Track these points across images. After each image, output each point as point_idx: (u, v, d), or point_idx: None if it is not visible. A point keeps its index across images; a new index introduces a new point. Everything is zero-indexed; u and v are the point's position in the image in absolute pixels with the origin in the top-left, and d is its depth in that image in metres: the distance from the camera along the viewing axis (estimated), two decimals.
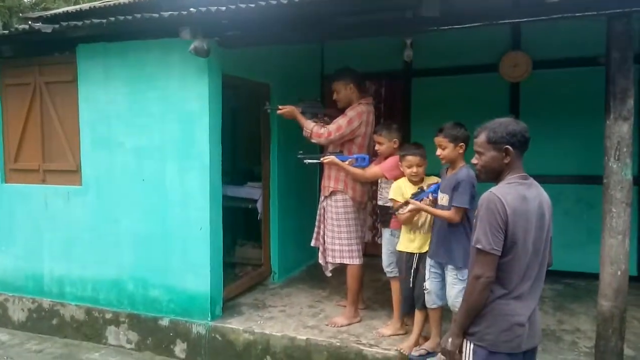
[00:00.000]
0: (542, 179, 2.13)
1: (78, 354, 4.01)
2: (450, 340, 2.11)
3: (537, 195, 2.05)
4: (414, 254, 3.31)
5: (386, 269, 3.62)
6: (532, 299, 2.05)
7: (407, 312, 3.48)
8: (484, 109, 4.84)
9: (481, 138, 2.11)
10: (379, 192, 3.70)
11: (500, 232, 1.95)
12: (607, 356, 3.00)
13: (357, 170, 3.63)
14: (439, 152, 3.09)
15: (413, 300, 3.36)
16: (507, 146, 2.05)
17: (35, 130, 4.38)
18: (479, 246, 1.97)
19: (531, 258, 2.01)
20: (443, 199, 3.08)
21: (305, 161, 3.78)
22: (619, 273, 2.95)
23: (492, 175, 2.13)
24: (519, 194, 2.00)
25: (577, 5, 2.88)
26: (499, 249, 1.95)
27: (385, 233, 3.62)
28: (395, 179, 3.45)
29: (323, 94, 5.61)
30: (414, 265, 3.31)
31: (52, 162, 4.35)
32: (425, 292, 3.19)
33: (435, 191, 3.20)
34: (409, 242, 3.33)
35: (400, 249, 3.39)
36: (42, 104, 4.33)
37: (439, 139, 3.09)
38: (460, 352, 2.10)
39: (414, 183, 3.32)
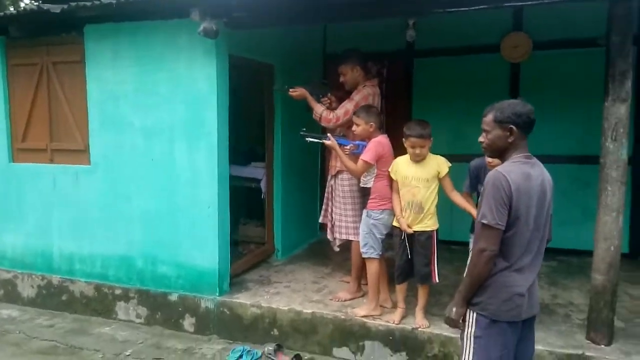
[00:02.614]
0: (539, 159, 2.23)
1: (89, 328, 4.13)
2: (454, 309, 2.23)
3: (540, 173, 2.16)
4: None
5: (361, 249, 3.64)
6: (532, 271, 2.18)
7: (399, 282, 3.51)
8: (485, 89, 5.04)
9: (489, 117, 2.21)
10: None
11: (505, 208, 2.06)
12: (599, 327, 3.17)
13: (350, 164, 3.60)
14: (489, 159, 3.12)
15: (401, 271, 3.44)
16: (511, 126, 2.14)
17: (43, 110, 4.43)
18: (484, 221, 2.09)
19: (532, 233, 2.13)
20: None
21: (307, 139, 3.83)
22: (612, 248, 3.09)
23: (496, 152, 2.24)
24: (523, 172, 2.11)
25: None
26: (503, 223, 2.07)
27: (363, 214, 3.66)
28: (378, 159, 3.52)
29: (325, 73, 5.69)
30: (406, 241, 3.38)
31: (60, 142, 4.42)
32: None
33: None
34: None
35: (394, 224, 3.49)
36: (49, 84, 4.37)
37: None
38: (464, 320, 2.23)
39: (416, 162, 3.39)
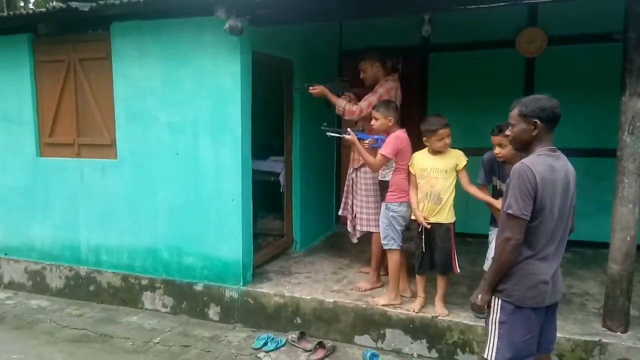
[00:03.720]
0: None
1: (117, 317, 4.28)
2: (480, 296, 2.33)
3: (564, 166, 2.25)
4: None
5: (382, 241, 3.73)
6: (556, 260, 2.28)
7: (418, 273, 3.61)
8: (500, 84, 5.12)
9: (514, 111, 2.30)
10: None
11: (530, 199, 2.16)
12: (615, 315, 3.26)
13: (370, 158, 3.68)
14: (497, 150, 3.25)
15: (420, 262, 3.55)
16: (535, 120, 2.23)
17: (70, 106, 4.56)
18: (510, 211, 2.18)
19: (556, 223, 2.22)
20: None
21: (327, 133, 3.94)
22: (628, 239, 3.18)
23: (521, 145, 2.33)
24: (547, 164, 2.20)
25: None
26: (528, 214, 2.16)
27: (382, 207, 3.76)
28: (396, 153, 3.61)
29: (341, 69, 5.78)
30: (424, 232, 3.48)
31: (87, 137, 4.55)
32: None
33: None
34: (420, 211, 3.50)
35: (412, 218, 3.59)
36: (76, 80, 4.50)
37: (499, 139, 3.23)
38: (489, 307, 2.34)
39: (435, 155, 3.49)
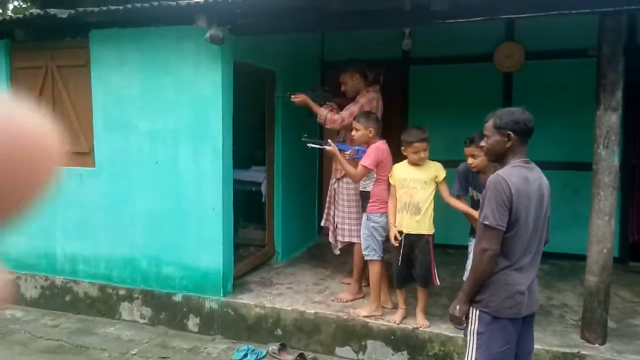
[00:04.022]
0: None
1: (94, 328, 4.19)
2: (458, 307, 2.34)
3: (538, 178, 2.29)
4: (401, 232, 3.48)
5: (363, 252, 3.74)
6: (532, 270, 2.30)
7: (397, 286, 3.61)
8: (479, 97, 5.20)
9: (489, 123, 2.35)
10: None
11: (505, 210, 2.18)
12: (593, 327, 3.30)
13: (351, 169, 3.68)
14: (470, 160, 3.29)
15: (399, 276, 3.55)
16: (509, 132, 2.27)
17: (47, 113, 4.45)
18: (486, 222, 2.21)
19: (531, 234, 2.25)
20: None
21: (308, 145, 3.95)
22: (604, 251, 3.23)
23: (495, 156, 2.37)
24: (522, 176, 2.23)
25: (572, 2, 3.11)
26: (504, 224, 2.19)
27: (363, 217, 3.77)
28: (377, 164, 3.63)
29: (323, 80, 5.80)
30: (403, 244, 3.47)
31: (65, 145, 4.46)
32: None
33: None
34: (397, 221, 3.51)
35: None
36: (53, 87, 4.44)
37: (471, 150, 3.27)
38: (467, 318, 2.35)
39: (415, 166, 3.52)
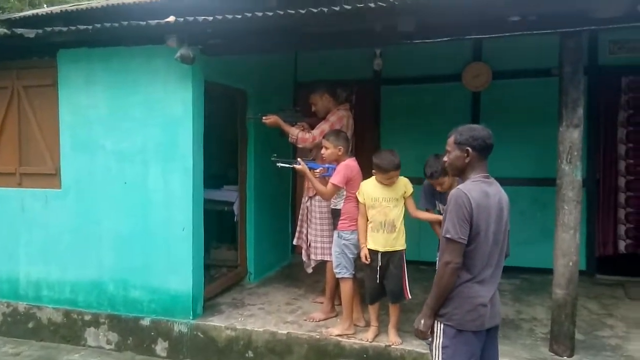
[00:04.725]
0: (499, 181, 2.40)
1: (57, 356, 4.03)
2: (422, 321, 2.34)
3: (497, 192, 2.34)
4: (378, 252, 3.50)
5: (335, 270, 3.72)
6: (493, 283, 2.33)
7: (370, 303, 3.62)
8: (448, 116, 5.29)
9: (451, 138, 2.41)
10: None
11: (466, 223, 2.22)
12: (561, 339, 3.34)
13: (321, 187, 3.70)
14: (439, 188, 3.44)
15: (373, 293, 3.56)
16: (468, 148, 2.33)
17: (12, 134, 4.39)
18: (448, 235, 2.23)
19: (492, 247, 2.29)
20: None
21: (278, 164, 3.94)
22: (570, 264, 3.29)
23: (456, 171, 2.43)
24: (482, 190, 2.28)
25: (534, 23, 3.22)
26: (465, 237, 2.22)
27: (334, 235, 3.77)
28: (347, 181, 3.64)
29: (296, 100, 5.85)
30: (380, 262, 3.49)
31: (30, 166, 4.37)
32: None
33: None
34: (372, 240, 3.52)
35: (368, 247, 3.56)
36: (19, 107, 4.35)
37: (436, 182, 3.43)
38: (432, 332, 2.35)
39: (379, 181, 3.54)
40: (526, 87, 5.26)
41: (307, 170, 3.75)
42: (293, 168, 3.90)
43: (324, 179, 3.77)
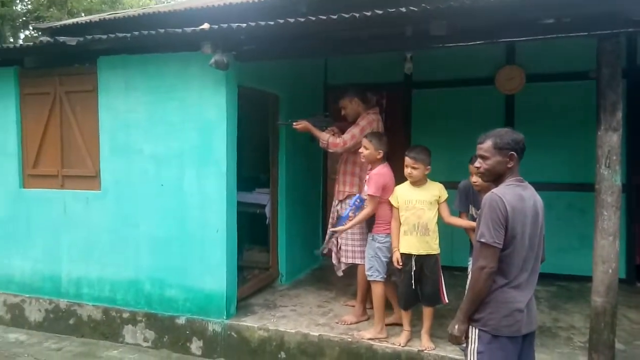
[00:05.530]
0: (535, 186, 2.37)
1: (97, 352, 4.17)
2: (456, 326, 2.32)
3: (532, 195, 2.31)
4: (412, 255, 3.49)
5: (367, 272, 3.74)
6: (529, 288, 2.30)
7: (404, 309, 3.62)
8: (481, 119, 5.23)
9: (487, 144, 2.34)
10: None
11: (502, 227, 2.19)
12: (600, 348, 3.24)
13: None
14: (475, 178, 3.33)
15: (408, 298, 3.55)
16: (512, 152, 2.30)
17: (55, 138, 4.56)
18: (482, 240, 2.21)
19: (528, 251, 2.25)
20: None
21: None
22: (610, 271, 3.20)
23: (494, 177, 2.36)
24: (517, 194, 2.25)
25: (569, 26, 3.16)
26: (500, 242, 2.19)
27: (368, 238, 3.78)
28: (383, 189, 3.64)
29: (327, 103, 5.88)
30: (414, 267, 3.48)
31: (71, 168, 4.53)
32: None
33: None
34: (406, 243, 3.51)
35: (402, 251, 3.57)
36: (61, 112, 4.52)
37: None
38: (466, 337, 2.33)
39: (412, 184, 3.54)
40: (561, 89, 5.15)
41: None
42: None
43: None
